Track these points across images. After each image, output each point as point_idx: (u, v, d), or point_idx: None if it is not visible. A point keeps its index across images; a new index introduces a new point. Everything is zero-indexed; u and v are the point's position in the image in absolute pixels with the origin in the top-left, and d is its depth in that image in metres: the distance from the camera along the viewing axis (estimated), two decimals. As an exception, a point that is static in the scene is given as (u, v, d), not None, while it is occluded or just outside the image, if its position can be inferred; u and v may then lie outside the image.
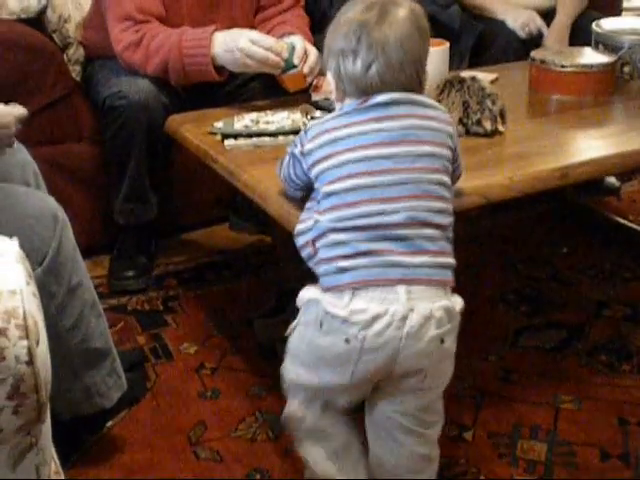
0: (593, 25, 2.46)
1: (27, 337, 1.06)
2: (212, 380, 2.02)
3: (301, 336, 1.46)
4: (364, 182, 1.37)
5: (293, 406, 1.52)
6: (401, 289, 1.35)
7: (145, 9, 2.26)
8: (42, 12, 2.55)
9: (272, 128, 1.96)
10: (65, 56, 2.60)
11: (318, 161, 1.41)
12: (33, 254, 1.49)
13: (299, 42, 2.22)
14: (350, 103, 1.44)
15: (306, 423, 1.51)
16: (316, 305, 1.40)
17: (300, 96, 2.20)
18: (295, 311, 2.06)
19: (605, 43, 2.38)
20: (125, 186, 2.37)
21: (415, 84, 1.44)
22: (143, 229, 2.51)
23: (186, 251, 2.68)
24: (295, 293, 2.09)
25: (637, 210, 2.92)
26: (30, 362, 1.06)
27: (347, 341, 1.37)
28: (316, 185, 1.43)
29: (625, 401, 1.92)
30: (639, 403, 1.91)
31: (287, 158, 1.53)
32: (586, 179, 1.89)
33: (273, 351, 2.03)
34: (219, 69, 2.21)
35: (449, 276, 1.41)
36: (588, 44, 2.43)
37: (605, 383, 1.98)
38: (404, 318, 1.34)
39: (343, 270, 1.37)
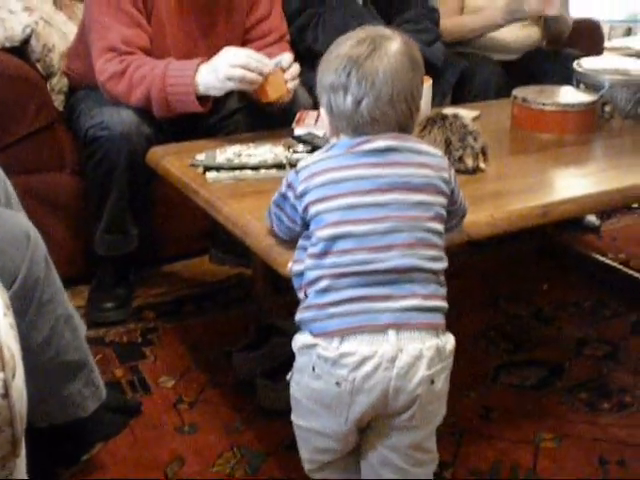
0: (574, 64, 2.48)
1: (3, 369, 1.05)
2: (190, 414, 2.00)
3: (296, 383, 1.45)
4: (357, 230, 1.36)
5: (309, 466, 1.54)
6: (391, 332, 1.34)
7: (130, 41, 2.26)
8: (26, 41, 2.55)
9: (254, 161, 1.95)
10: (48, 85, 2.60)
11: (312, 203, 1.38)
12: (4, 277, 1.48)
13: (287, 54, 2.26)
14: (343, 141, 1.42)
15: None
16: (309, 350, 1.39)
17: (283, 130, 2.20)
18: (275, 346, 2.06)
19: (586, 82, 2.40)
20: (105, 217, 2.36)
21: (407, 120, 1.42)
22: (123, 260, 2.49)
23: (165, 283, 2.66)
24: (274, 328, 2.09)
25: (617, 248, 2.93)
26: (6, 395, 1.05)
27: (338, 384, 1.36)
28: (310, 227, 1.41)
29: (605, 440, 1.91)
30: (619, 442, 1.90)
31: (274, 206, 1.50)
32: (567, 217, 1.90)
33: (252, 385, 2.02)
34: (202, 100, 2.21)
35: (439, 319, 1.40)
36: (569, 83, 2.46)
37: (585, 421, 1.98)
38: (393, 359, 1.34)
39: (332, 316, 1.36)
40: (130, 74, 2.22)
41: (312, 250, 1.39)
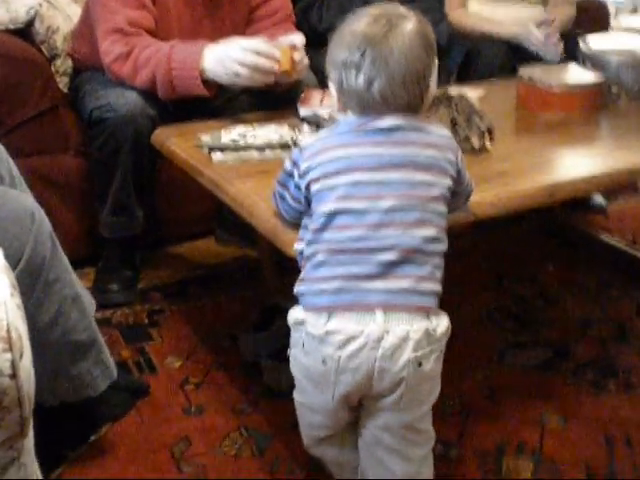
0: (580, 42, 2.46)
1: (10, 350, 1.05)
2: (196, 395, 2.00)
3: (293, 358, 1.46)
4: (357, 206, 1.35)
5: (306, 441, 1.56)
6: (379, 312, 1.34)
7: (136, 22, 2.25)
8: (30, 23, 2.54)
9: (259, 142, 1.95)
10: (53, 67, 2.59)
11: (314, 180, 1.38)
12: (9, 257, 1.47)
13: (299, 35, 2.23)
14: (350, 119, 1.41)
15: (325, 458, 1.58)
16: (299, 326, 1.41)
17: (288, 111, 2.20)
18: (280, 327, 2.06)
19: (593, 61, 2.39)
20: (111, 199, 2.36)
21: (417, 101, 1.40)
22: (128, 242, 2.49)
23: (171, 265, 2.67)
24: (279, 309, 2.09)
25: (623, 229, 2.93)
26: (13, 375, 1.05)
27: (324, 362, 1.37)
28: (312, 204, 1.41)
29: (611, 420, 1.91)
30: (625, 422, 1.90)
31: (278, 185, 1.50)
32: (573, 197, 1.89)
33: (258, 367, 2.02)
34: (208, 84, 2.20)
35: (430, 303, 1.38)
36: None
37: (591, 401, 1.98)
38: (379, 339, 1.33)
39: (322, 292, 1.36)
40: (135, 56, 2.21)
41: (312, 225, 1.40)
